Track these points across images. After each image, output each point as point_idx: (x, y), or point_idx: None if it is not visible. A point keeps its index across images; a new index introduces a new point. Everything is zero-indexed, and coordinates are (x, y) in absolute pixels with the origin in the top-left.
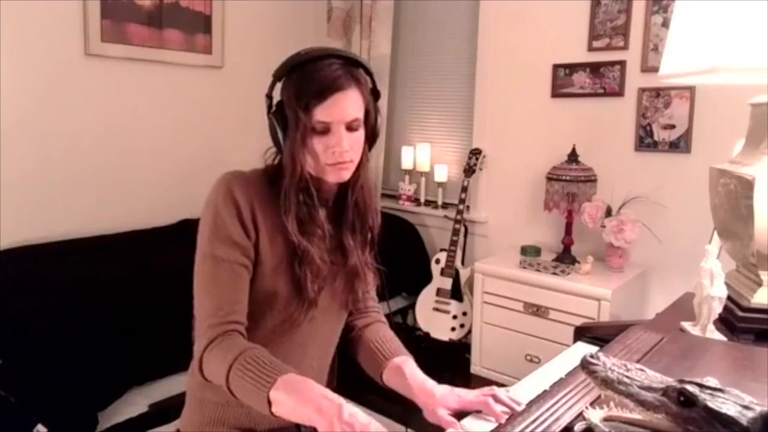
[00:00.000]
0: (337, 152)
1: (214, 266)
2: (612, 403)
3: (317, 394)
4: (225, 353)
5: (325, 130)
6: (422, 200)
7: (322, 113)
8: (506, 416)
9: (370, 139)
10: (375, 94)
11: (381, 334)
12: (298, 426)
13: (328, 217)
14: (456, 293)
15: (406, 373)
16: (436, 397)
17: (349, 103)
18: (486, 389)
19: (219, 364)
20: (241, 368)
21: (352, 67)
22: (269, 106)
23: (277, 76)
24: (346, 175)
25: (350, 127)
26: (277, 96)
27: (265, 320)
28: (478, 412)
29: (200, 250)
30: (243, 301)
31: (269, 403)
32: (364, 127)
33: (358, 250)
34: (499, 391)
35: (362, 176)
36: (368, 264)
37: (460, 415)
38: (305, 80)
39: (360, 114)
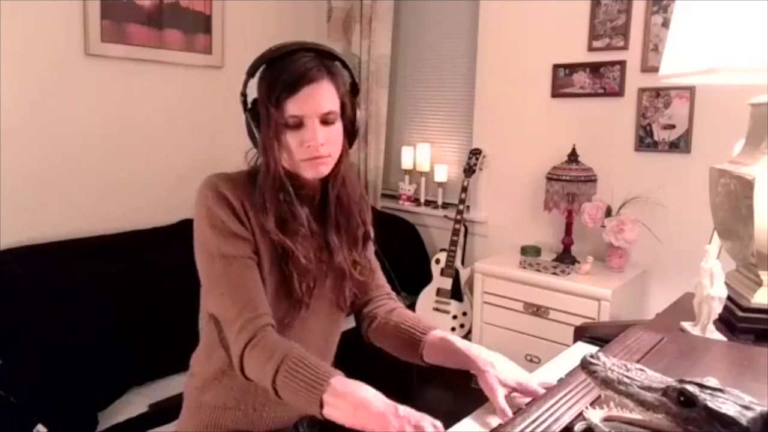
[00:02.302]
0: (312, 146)
1: (225, 265)
2: (612, 403)
3: (371, 396)
4: (268, 354)
5: (299, 124)
6: (422, 200)
7: (294, 107)
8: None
9: (351, 134)
10: (353, 87)
11: (408, 315)
12: (296, 426)
13: (312, 215)
14: (456, 293)
15: (456, 343)
16: (496, 367)
17: (321, 96)
18: (548, 383)
19: (263, 365)
20: (289, 371)
21: (326, 60)
22: (244, 104)
23: (250, 73)
24: (324, 170)
25: (325, 121)
26: (252, 94)
27: None
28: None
29: (206, 252)
30: (262, 294)
31: (321, 405)
32: (342, 121)
33: (344, 250)
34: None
35: (342, 171)
36: (360, 261)
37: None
38: (276, 74)
39: (335, 107)
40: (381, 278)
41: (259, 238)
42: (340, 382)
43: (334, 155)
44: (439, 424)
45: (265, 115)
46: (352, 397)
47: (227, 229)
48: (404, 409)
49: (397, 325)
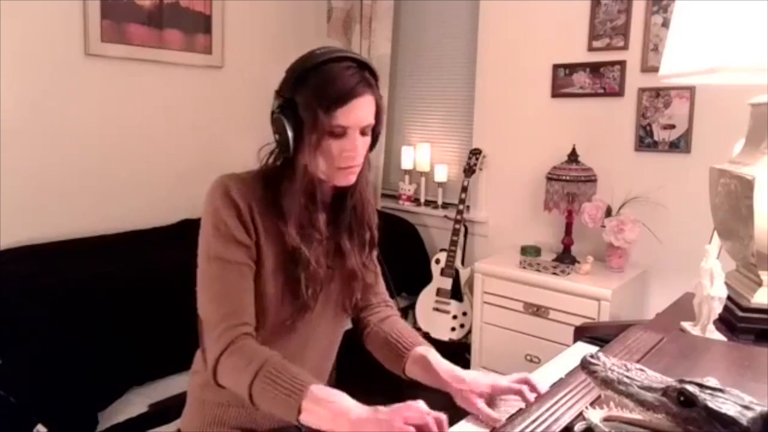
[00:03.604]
0: (350, 156)
1: (220, 269)
2: (612, 403)
3: (351, 404)
4: (246, 362)
5: (342, 134)
6: (422, 200)
7: (342, 117)
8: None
9: (371, 143)
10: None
11: (398, 326)
12: (298, 426)
13: (326, 221)
14: (456, 293)
15: (432, 362)
16: (467, 381)
17: (366, 109)
18: (518, 376)
19: (240, 373)
20: (268, 378)
21: (365, 72)
22: (280, 105)
23: (293, 75)
24: (353, 179)
25: (363, 132)
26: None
27: (259, 324)
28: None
29: (204, 253)
30: (251, 303)
31: (299, 411)
32: (371, 133)
33: (355, 253)
34: (533, 379)
35: (362, 180)
36: (367, 264)
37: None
38: (326, 83)
39: (373, 119)
40: (382, 285)
41: (264, 242)
42: (319, 389)
43: (361, 164)
44: (421, 402)
45: (311, 120)
46: (331, 404)
47: (229, 235)
48: (384, 410)
49: (386, 335)
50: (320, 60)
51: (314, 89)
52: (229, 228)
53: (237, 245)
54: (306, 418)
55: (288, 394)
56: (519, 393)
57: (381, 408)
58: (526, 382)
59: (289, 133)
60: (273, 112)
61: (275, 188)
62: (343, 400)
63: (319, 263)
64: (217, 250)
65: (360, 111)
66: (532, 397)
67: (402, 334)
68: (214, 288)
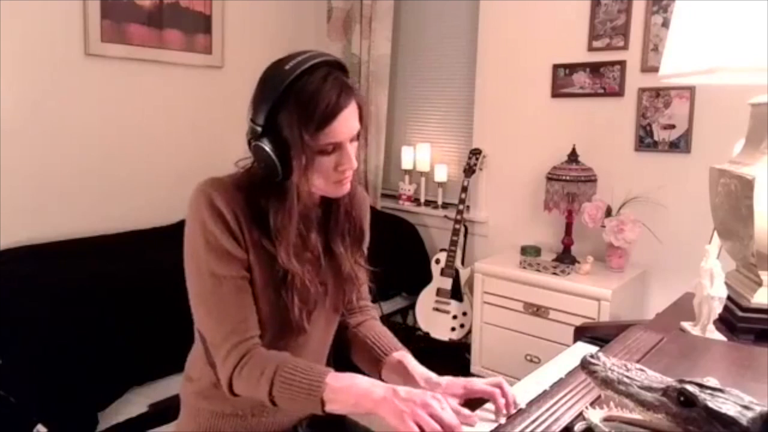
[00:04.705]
0: (347, 169)
1: (216, 285)
2: (612, 403)
3: (368, 384)
4: (260, 370)
5: (334, 150)
6: (422, 200)
7: (331, 135)
8: (506, 415)
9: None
10: None
11: (376, 330)
12: (296, 428)
13: (317, 233)
14: (456, 293)
15: (408, 366)
16: (442, 386)
17: (353, 118)
18: (493, 379)
19: (256, 384)
20: (285, 381)
21: (341, 73)
22: (257, 133)
23: (268, 98)
24: (348, 186)
25: (353, 139)
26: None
27: None
28: (482, 401)
29: (196, 267)
30: (253, 314)
31: (322, 404)
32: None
33: (348, 255)
34: (507, 385)
35: (353, 184)
36: (359, 261)
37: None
38: (307, 102)
39: (359, 124)
40: (365, 288)
41: (253, 255)
42: (334, 378)
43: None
44: (440, 397)
45: (299, 143)
46: (351, 389)
47: (220, 247)
48: (404, 391)
49: (363, 339)
50: (293, 76)
51: (296, 111)
52: (220, 242)
53: (229, 258)
54: (330, 407)
55: (308, 393)
56: (491, 395)
57: (399, 389)
58: (500, 386)
59: (276, 161)
60: (249, 141)
61: (260, 200)
62: (359, 382)
63: (313, 283)
64: (209, 265)
65: (348, 123)
66: (502, 402)
67: (379, 339)
68: (211, 305)
